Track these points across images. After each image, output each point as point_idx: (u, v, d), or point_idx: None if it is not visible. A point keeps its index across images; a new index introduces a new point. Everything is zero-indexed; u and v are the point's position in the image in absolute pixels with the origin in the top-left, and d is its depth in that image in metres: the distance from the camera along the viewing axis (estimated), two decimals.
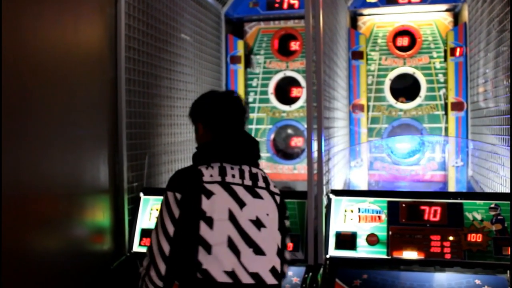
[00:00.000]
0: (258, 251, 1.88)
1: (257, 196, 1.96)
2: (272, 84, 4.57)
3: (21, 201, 2.07)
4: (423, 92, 4.33)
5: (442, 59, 4.30)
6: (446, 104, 4.26)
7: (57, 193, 2.32)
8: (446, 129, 4.26)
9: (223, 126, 2.08)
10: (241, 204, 1.91)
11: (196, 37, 3.91)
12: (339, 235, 2.64)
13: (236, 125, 2.12)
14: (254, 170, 2.05)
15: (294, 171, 4.51)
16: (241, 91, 4.53)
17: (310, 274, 2.50)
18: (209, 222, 1.84)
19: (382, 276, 2.51)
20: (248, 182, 1.98)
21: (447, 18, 4.35)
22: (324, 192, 2.73)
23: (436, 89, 4.32)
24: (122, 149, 2.77)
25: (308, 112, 2.67)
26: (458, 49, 4.18)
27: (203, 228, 1.83)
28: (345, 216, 2.68)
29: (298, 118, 4.52)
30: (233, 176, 1.96)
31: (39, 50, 2.19)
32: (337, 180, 3.48)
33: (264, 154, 4.56)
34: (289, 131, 4.61)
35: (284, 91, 4.59)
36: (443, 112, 4.28)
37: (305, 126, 2.73)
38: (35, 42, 2.16)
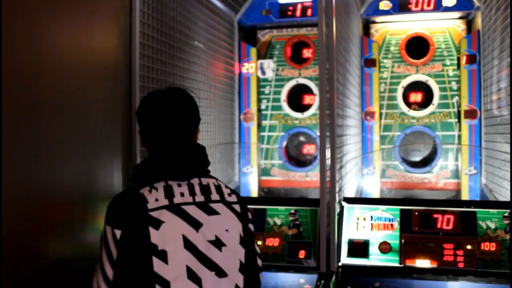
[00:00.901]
0: (220, 273, 1.71)
1: (212, 212, 1.77)
2: (284, 92, 4.59)
3: (36, 207, 2.09)
4: (436, 100, 4.32)
5: (455, 67, 4.29)
6: (459, 111, 4.24)
7: (72, 199, 2.34)
8: (459, 137, 4.24)
9: (159, 136, 1.85)
10: (196, 225, 1.71)
11: (209, 45, 3.93)
12: (351, 243, 2.64)
13: (176, 132, 1.85)
14: (204, 181, 1.84)
15: (306, 179, 4.51)
16: (253, 98, 4.55)
17: (323, 281, 2.50)
18: (163, 256, 1.63)
19: (394, 285, 2.50)
20: (200, 198, 1.77)
21: (460, 26, 4.34)
22: (337, 200, 2.74)
23: (449, 97, 4.30)
24: (136, 156, 2.79)
25: (321, 120, 2.67)
26: (471, 57, 4.16)
27: (157, 264, 1.62)
28: (357, 224, 2.68)
29: (311, 125, 4.53)
30: (182, 194, 1.75)
31: (54, 58, 2.22)
32: (349, 187, 3.48)
33: (276, 161, 4.57)
34: (302, 138, 4.61)
35: (297, 99, 4.60)
36: (456, 120, 4.27)
37: (318, 133, 2.74)
38: (50, 50, 2.19)
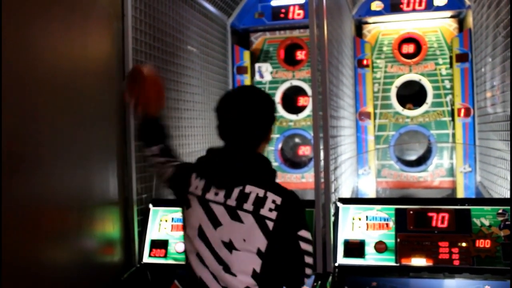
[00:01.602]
0: (228, 270, 1.80)
1: (236, 218, 1.81)
2: (278, 94, 4.60)
3: (32, 214, 2.09)
4: (429, 99, 4.34)
5: (448, 66, 4.31)
6: (453, 110, 4.27)
7: (67, 205, 2.34)
8: (454, 135, 4.26)
9: (225, 138, 1.97)
10: (216, 224, 1.83)
11: (203, 49, 3.94)
12: (347, 243, 2.64)
13: (238, 138, 1.92)
14: (248, 189, 1.84)
15: (302, 180, 4.53)
16: None
17: (319, 282, 2.51)
18: (185, 229, 1.96)
19: (391, 284, 2.51)
20: (232, 202, 1.83)
21: (452, 25, 4.36)
22: (332, 201, 2.74)
23: (442, 96, 4.32)
24: (131, 161, 2.80)
25: (314, 121, 2.68)
26: (463, 55, 4.18)
27: (185, 226, 1.97)
28: (353, 224, 2.69)
29: (305, 127, 4.54)
30: (216, 194, 1.85)
31: (48, 65, 2.23)
32: (345, 188, 3.49)
33: (272, 163, 4.57)
34: (297, 140, 4.63)
35: (291, 100, 4.61)
36: (450, 118, 4.29)
37: (312, 134, 2.75)
38: (43, 57, 2.20)
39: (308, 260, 1.89)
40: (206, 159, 1.97)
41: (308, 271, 1.90)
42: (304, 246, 1.87)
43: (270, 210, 1.82)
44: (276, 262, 1.85)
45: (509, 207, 2.53)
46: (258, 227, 1.80)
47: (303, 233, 1.87)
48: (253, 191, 1.84)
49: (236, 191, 1.84)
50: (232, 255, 1.80)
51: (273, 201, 1.83)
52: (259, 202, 1.82)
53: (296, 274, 1.89)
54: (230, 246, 1.81)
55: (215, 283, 1.82)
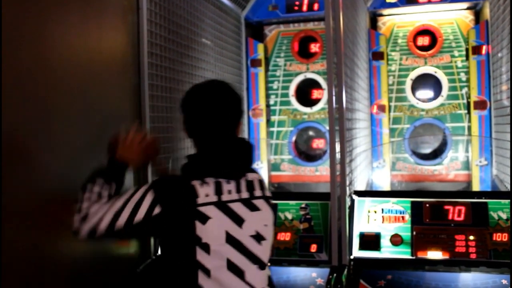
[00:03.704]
0: (262, 265, 1.84)
1: (254, 209, 1.86)
2: (292, 87, 4.58)
3: (47, 206, 2.11)
4: (445, 92, 4.30)
5: (464, 58, 4.26)
6: (468, 103, 4.22)
7: None
8: (469, 128, 4.22)
9: (205, 129, 1.88)
10: (240, 221, 1.81)
11: (217, 41, 3.94)
12: (362, 236, 2.64)
13: (223, 125, 1.89)
14: (250, 177, 1.92)
15: (316, 173, 4.51)
16: (262, 94, 4.56)
17: (335, 275, 2.51)
18: (205, 248, 1.73)
19: (406, 277, 2.50)
20: (245, 194, 1.86)
21: (468, 16, 4.31)
22: (347, 193, 2.74)
23: (458, 88, 4.28)
24: None
25: (330, 114, 2.68)
26: (480, 47, 4.14)
27: (200, 254, 1.73)
28: (368, 217, 2.68)
29: (319, 120, 4.52)
30: (229, 192, 1.83)
31: (63, 58, 2.24)
32: (359, 181, 3.48)
33: (286, 156, 4.57)
34: (311, 133, 4.61)
35: (305, 93, 4.59)
36: (466, 111, 4.24)
37: (327, 127, 2.74)
38: (59, 50, 2.21)
39: None
40: (201, 161, 1.87)
41: None
42: None
43: (267, 189, 1.97)
44: None
45: None
46: (269, 207, 1.93)
47: None
48: (254, 177, 1.93)
49: (243, 183, 1.88)
50: (262, 246, 1.85)
51: (262, 180, 1.98)
52: (262, 185, 1.94)
53: None
54: (258, 237, 1.84)
55: None
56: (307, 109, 4.56)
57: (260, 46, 4.59)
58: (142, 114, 2.80)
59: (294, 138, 4.59)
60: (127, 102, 2.73)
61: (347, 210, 2.69)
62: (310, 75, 4.57)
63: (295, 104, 4.57)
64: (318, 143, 4.58)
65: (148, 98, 2.82)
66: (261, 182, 1.95)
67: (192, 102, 1.94)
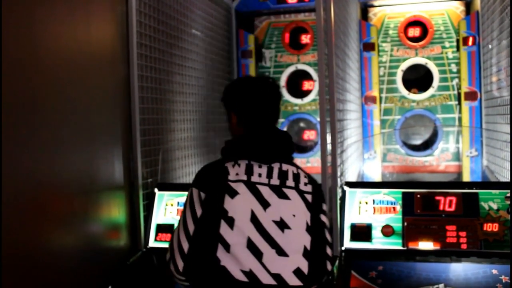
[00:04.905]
0: (281, 252, 1.83)
1: (283, 196, 1.90)
2: (283, 78, 4.57)
3: (37, 199, 2.09)
4: (435, 83, 4.30)
5: (455, 49, 4.27)
6: (459, 94, 4.23)
7: (73, 190, 2.34)
8: (460, 119, 4.23)
9: (257, 120, 2.02)
10: (265, 205, 1.86)
11: (207, 32, 3.91)
12: (354, 227, 2.63)
13: (270, 118, 2.06)
14: (285, 167, 1.97)
15: (308, 164, 4.51)
16: None
17: None
18: (230, 222, 1.81)
19: (398, 267, 2.50)
20: (275, 181, 1.91)
21: (459, 7, 4.32)
22: (339, 184, 2.73)
23: (449, 79, 4.29)
24: (136, 146, 2.79)
25: (321, 105, 2.67)
26: (470, 38, 4.14)
27: (223, 227, 1.81)
28: (359, 208, 2.68)
29: (310, 111, 4.52)
30: (260, 175, 1.91)
31: (51, 49, 2.21)
32: (350, 172, 3.47)
33: None
34: (302, 124, 4.61)
35: (296, 85, 4.58)
36: (456, 102, 4.25)
37: (318, 119, 2.73)
38: (47, 41, 2.18)
39: (329, 251, 1.98)
40: (235, 144, 1.99)
41: (329, 266, 1.96)
42: (327, 235, 1.99)
43: (305, 184, 1.97)
44: (320, 236, 1.95)
45: None
46: (302, 201, 1.93)
47: (325, 218, 2.01)
48: (289, 168, 1.97)
49: (275, 170, 1.94)
50: (284, 234, 1.85)
51: (305, 176, 2.00)
52: (297, 178, 1.96)
53: (319, 266, 1.93)
54: (282, 224, 1.85)
55: (265, 273, 1.79)
56: (298, 101, 4.55)
57: (251, 37, 4.57)
58: (132, 105, 2.77)
59: (285, 130, 4.58)
60: (116, 93, 2.70)
61: (338, 201, 2.68)
62: (301, 66, 4.56)
63: (286, 96, 4.57)
64: (309, 135, 4.58)
65: (137, 89, 2.80)
66: (297, 175, 1.98)
67: (249, 93, 2.06)
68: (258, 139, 1.97)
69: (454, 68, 4.27)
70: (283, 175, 1.94)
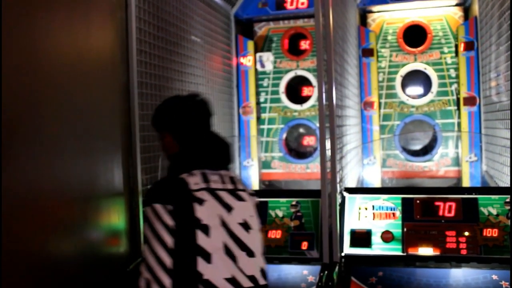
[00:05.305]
0: (250, 253, 1.91)
1: (240, 199, 1.98)
2: (283, 84, 4.58)
3: (37, 206, 2.08)
4: (434, 88, 4.31)
5: (453, 54, 4.28)
6: (458, 99, 4.24)
7: (73, 196, 2.33)
8: (459, 124, 4.24)
9: (194, 133, 2.06)
10: (229, 208, 1.91)
11: (206, 39, 3.92)
12: (353, 233, 2.64)
13: (206, 129, 2.10)
14: (229, 173, 2.05)
15: (307, 170, 4.51)
16: (252, 92, 4.55)
17: (326, 272, 2.50)
18: (205, 229, 1.82)
19: (397, 273, 2.50)
20: (229, 186, 1.98)
21: (457, 13, 4.33)
22: (338, 190, 2.73)
23: (448, 85, 4.30)
24: (136, 152, 2.79)
25: (320, 111, 2.67)
26: (469, 44, 4.15)
27: (201, 237, 1.80)
28: (359, 214, 2.68)
29: (310, 117, 4.52)
30: (215, 182, 1.95)
31: (51, 56, 2.21)
32: (350, 178, 3.47)
33: (276, 153, 4.57)
34: (301, 130, 4.61)
35: (295, 91, 4.59)
36: (456, 108, 4.26)
37: (317, 125, 2.74)
38: (47, 47, 2.18)
39: None
40: (184, 156, 2.02)
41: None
42: None
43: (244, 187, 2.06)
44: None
45: None
46: (252, 202, 2.03)
47: None
48: (231, 174, 2.06)
49: (226, 176, 2.00)
50: (249, 235, 1.92)
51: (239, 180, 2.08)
52: (241, 183, 2.06)
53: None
54: (246, 226, 1.93)
55: (243, 277, 1.85)
56: (297, 106, 4.56)
57: (250, 44, 4.58)
58: (131, 112, 2.77)
59: (284, 136, 4.59)
60: (116, 100, 2.70)
61: (338, 207, 2.68)
62: (300, 72, 4.56)
63: (286, 102, 4.57)
64: (309, 140, 4.58)
65: (137, 96, 2.80)
66: (240, 180, 2.07)
67: (181, 112, 2.11)
68: (207, 148, 2.03)
69: (453, 73, 4.28)
70: (232, 180, 2.01)
